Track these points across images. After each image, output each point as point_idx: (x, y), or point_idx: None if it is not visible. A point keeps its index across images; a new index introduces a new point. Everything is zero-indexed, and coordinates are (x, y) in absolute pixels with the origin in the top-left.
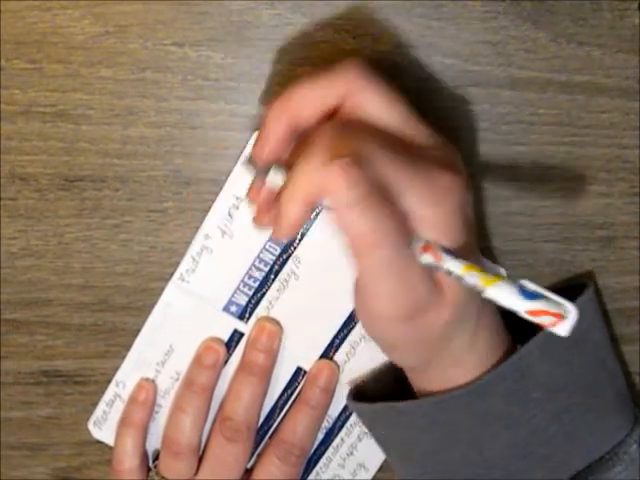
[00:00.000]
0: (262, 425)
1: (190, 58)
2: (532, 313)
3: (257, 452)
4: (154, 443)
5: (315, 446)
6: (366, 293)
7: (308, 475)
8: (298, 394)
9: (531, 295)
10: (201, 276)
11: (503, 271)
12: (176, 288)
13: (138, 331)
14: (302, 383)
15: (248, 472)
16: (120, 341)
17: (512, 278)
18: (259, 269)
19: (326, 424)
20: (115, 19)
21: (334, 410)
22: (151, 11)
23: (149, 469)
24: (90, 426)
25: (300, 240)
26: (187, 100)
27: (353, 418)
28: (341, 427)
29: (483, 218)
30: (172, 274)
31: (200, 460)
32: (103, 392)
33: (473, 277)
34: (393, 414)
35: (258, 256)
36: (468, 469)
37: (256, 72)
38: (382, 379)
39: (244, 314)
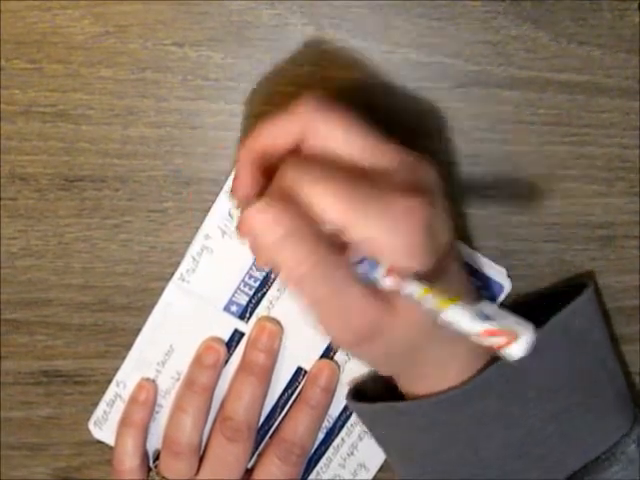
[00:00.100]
0: (263, 425)
1: (190, 58)
2: (487, 333)
3: (257, 452)
4: (155, 443)
5: (315, 446)
6: (318, 323)
7: (308, 475)
8: (299, 394)
9: (487, 317)
10: (201, 276)
11: (504, 271)
12: (176, 288)
13: (138, 331)
14: (303, 383)
15: (248, 472)
16: (120, 341)
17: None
18: (259, 269)
19: (327, 424)
20: (115, 19)
21: (335, 410)
22: (151, 11)
23: (149, 469)
24: (91, 426)
25: None
26: (187, 100)
27: (354, 418)
28: (342, 427)
29: (483, 218)
30: (172, 274)
31: (201, 460)
32: (103, 392)
33: (431, 300)
34: (393, 414)
35: None
36: (465, 469)
37: (256, 72)
38: (382, 379)
39: (245, 314)
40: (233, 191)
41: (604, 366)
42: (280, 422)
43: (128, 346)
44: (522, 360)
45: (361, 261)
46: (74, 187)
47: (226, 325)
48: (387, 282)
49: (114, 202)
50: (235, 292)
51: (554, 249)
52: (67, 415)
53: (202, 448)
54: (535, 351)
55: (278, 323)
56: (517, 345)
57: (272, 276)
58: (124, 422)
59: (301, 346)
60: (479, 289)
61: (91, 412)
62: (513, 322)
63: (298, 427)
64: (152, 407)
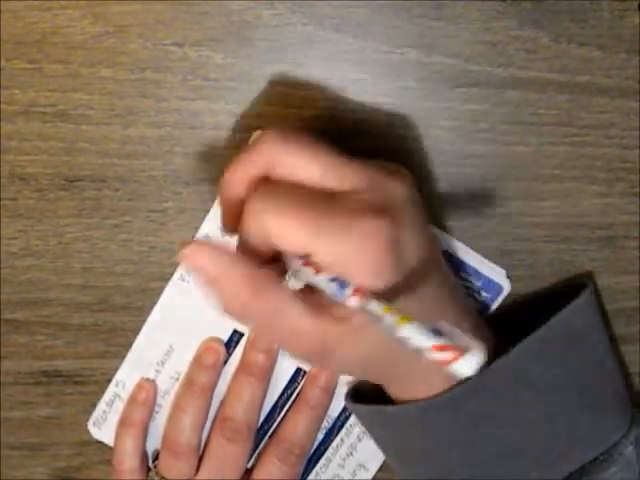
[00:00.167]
0: (262, 425)
1: (190, 58)
2: (437, 349)
3: (257, 452)
4: (154, 443)
5: (315, 446)
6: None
7: (308, 475)
8: (298, 394)
9: (441, 334)
10: None
11: (503, 272)
12: (176, 288)
13: (138, 331)
14: (302, 383)
15: (248, 472)
16: (120, 341)
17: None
18: None
19: (326, 424)
20: (115, 19)
21: (334, 410)
22: (151, 11)
23: (149, 469)
24: (90, 426)
25: None
26: (187, 100)
27: (353, 418)
28: (341, 427)
29: (483, 218)
30: (172, 274)
31: (200, 460)
32: (103, 392)
33: (389, 318)
34: (386, 417)
35: None
36: (464, 469)
37: (256, 72)
38: None
39: None
40: (222, 222)
41: (602, 367)
42: (279, 422)
43: (128, 346)
44: (520, 361)
45: (332, 280)
46: (74, 187)
47: (225, 325)
48: (351, 301)
49: (114, 202)
50: None
51: (554, 249)
52: (67, 415)
53: (201, 448)
54: (532, 352)
55: None
56: (464, 361)
57: None
58: (124, 422)
59: None
60: (479, 290)
61: (91, 412)
62: (466, 340)
63: (297, 427)
64: (152, 407)
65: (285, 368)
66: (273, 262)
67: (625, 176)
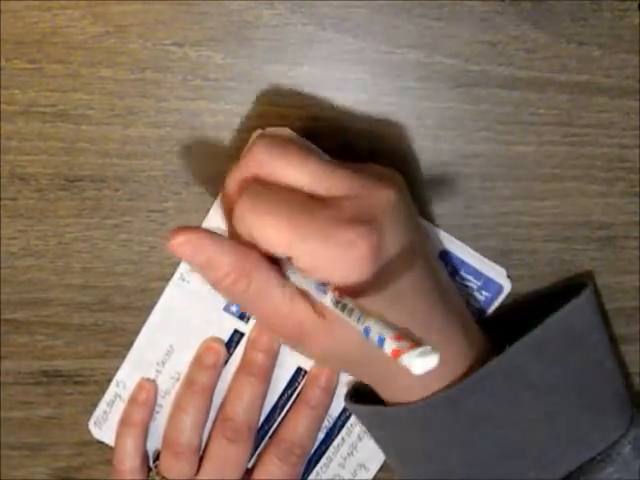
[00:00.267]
0: (262, 425)
1: (190, 58)
2: (395, 338)
3: (257, 452)
4: (155, 443)
5: (315, 446)
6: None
7: (308, 475)
8: (298, 394)
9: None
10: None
11: (503, 271)
12: (176, 288)
13: (138, 331)
14: (302, 383)
15: (249, 472)
16: (120, 341)
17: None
18: None
19: (327, 424)
20: (115, 19)
21: (335, 410)
22: (151, 11)
23: (150, 469)
24: (91, 426)
25: None
26: (187, 100)
27: (353, 418)
28: (341, 427)
29: (483, 218)
30: (172, 274)
31: (201, 460)
32: (103, 392)
33: (356, 314)
34: (384, 417)
35: None
36: (463, 469)
37: (256, 72)
38: None
39: (244, 314)
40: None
41: (602, 366)
42: (280, 422)
43: (128, 346)
44: (517, 360)
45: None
46: (74, 187)
47: (226, 325)
48: (327, 300)
49: (114, 202)
50: None
51: (554, 249)
52: (67, 415)
53: (202, 448)
54: (531, 350)
55: None
56: (415, 352)
57: None
58: (124, 422)
59: None
60: (479, 290)
61: (91, 412)
62: (426, 342)
63: (298, 427)
64: (152, 407)
65: (286, 368)
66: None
67: (625, 176)
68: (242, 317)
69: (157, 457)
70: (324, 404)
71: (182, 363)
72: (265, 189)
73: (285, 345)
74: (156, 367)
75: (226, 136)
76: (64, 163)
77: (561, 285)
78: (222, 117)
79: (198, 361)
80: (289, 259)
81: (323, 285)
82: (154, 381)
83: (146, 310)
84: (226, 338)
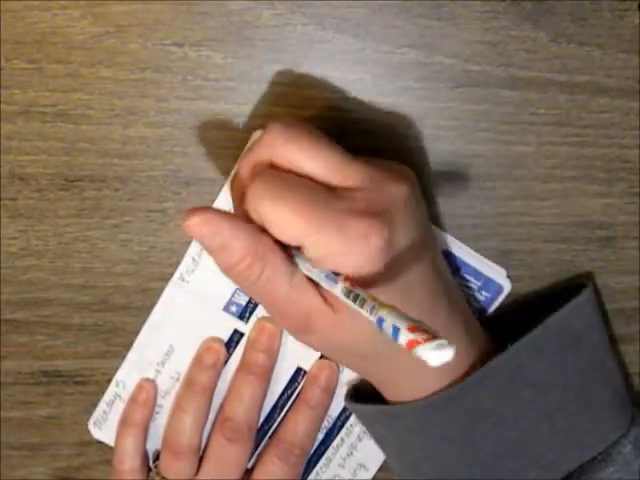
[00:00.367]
0: (262, 425)
1: (190, 58)
2: (411, 329)
3: (257, 452)
4: (154, 443)
5: (315, 446)
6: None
7: (308, 475)
8: (298, 394)
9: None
10: (201, 276)
11: (503, 272)
12: (176, 288)
13: (138, 331)
14: (302, 383)
15: (248, 472)
16: (120, 341)
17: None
18: None
19: (326, 424)
20: (115, 19)
21: (334, 410)
22: (151, 11)
23: (149, 469)
24: (90, 426)
25: None
26: (187, 100)
27: (353, 418)
28: (341, 427)
29: (483, 218)
30: (172, 274)
31: (201, 460)
32: (103, 392)
33: (370, 304)
34: (384, 416)
35: None
36: (463, 469)
37: (256, 72)
38: None
39: (244, 314)
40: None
41: (602, 366)
42: (280, 422)
43: (128, 346)
44: (518, 358)
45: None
46: (74, 187)
47: (226, 325)
48: (338, 289)
49: (114, 202)
50: (235, 292)
51: (554, 249)
52: (67, 415)
53: (202, 448)
54: (532, 349)
55: None
56: (431, 345)
57: None
58: (124, 422)
59: (301, 346)
60: (479, 290)
61: (91, 412)
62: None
63: (298, 427)
64: (152, 407)
65: (285, 368)
66: None
67: (625, 176)
68: (242, 317)
69: (157, 457)
70: (324, 404)
71: (182, 363)
72: (280, 174)
73: (291, 334)
74: (156, 367)
75: (226, 136)
76: (64, 163)
77: (561, 285)
78: (222, 117)
79: (198, 361)
80: (300, 247)
81: (334, 275)
82: (154, 381)
83: (146, 310)
84: (226, 338)
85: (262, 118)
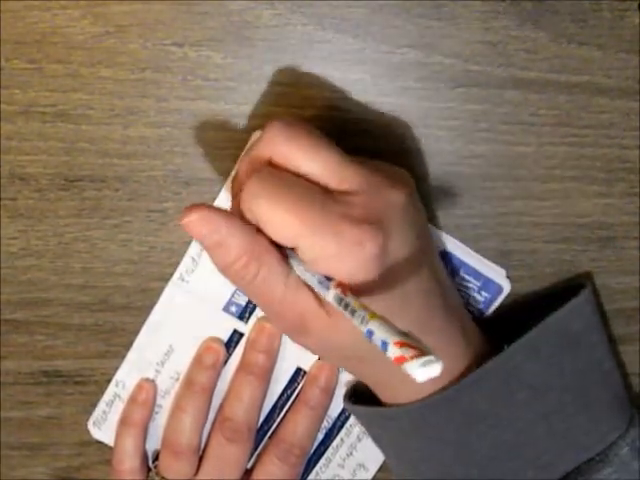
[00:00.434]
0: (262, 425)
1: (190, 58)
2: (399, 344)
3: (257, 452)
4: (154, 443)
5: (315, 446)
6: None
7: (308, 475)
8: (298, 394)
9: (406, 335)
10: (201, 276)
11: (503, 272)
12: (176, 288)
13: (138, 331)
14: (302, 383)
15: (248, 472)
16: (120, 341)
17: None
18: None
19: (326, 424)
20: (115, 19)
21: (334, 410)
22: (151, 11)
23: (149, 469)
24: (90, 426)
25: None
26: (187, 100)
27: (353, 418)
28: (341, 427)
29: (483, 218)
30: (172, 274)
31: (200, 460)
32: (103, 392)
33: (361, 313)
34: (382, 418)
35: None
36: (460, 469)
37: (256, 72)
38: None
39: (244, 314)
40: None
41: (600, 367)
42: (279, 422)
43: (128, 346)
44: (514, 360)
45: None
46: (74, 187)
47: (225, 325)
48: (330, 295)
49: (114, 202)
50: (234, 293)
51: (554, 249)
52: (67, 415)
53: (202, 448)
54: (528, 350)
55: None
56: (419, 361)
57: None
58: (124, 422)
59: (300, 347)
60: (479, 290)
61: (91, 412)
62: (429, 349)
63: (297, 427)
64: (152, 407)
65: (285, 368)
66: None
67: (625, 176)
68: (241, 317)
69: (156, 457)
70: (323, 404)
71: (182, 363)
72: (277, 173)
73: (287, 336)
74: (155, 367)
75: (226, 136)
76: (64, 163)
77: (561, 286)
78: (222, 117)
79: (198, 361)
80: (294, 249)
81: (327, 280)
82: (153, 381)
83: (146, 310)
84: (226, 338)
85: (262, 118)
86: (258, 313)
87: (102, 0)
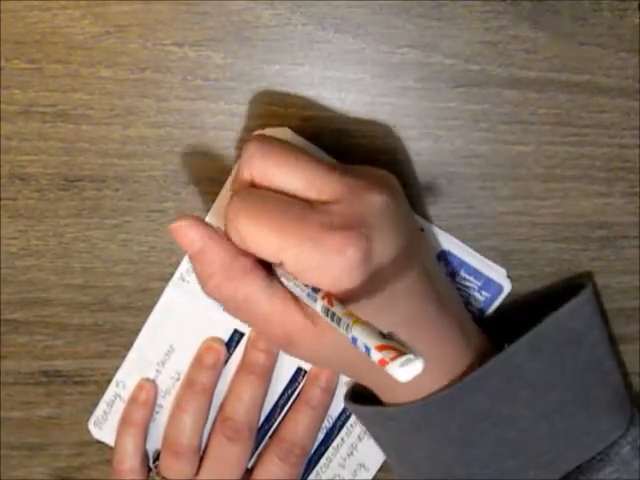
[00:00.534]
0: (262, 425)
1: (190, 58)
2: (380, 348)
3: (257, 452)
4: (155, 443)
5: (315, 446)
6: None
7: (308, 475)
8: (298, 394)
9: (389, 338)
10: None
11: (503, 272)
12: (176, 288)
13: (138, 331)
14: (302, 383)
15: (248, 472)
16: (120, 341)
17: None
18: None
19: (326, 424)
20: (115, 19)
21: (334, 410)
22: (151, 11)
23: (150, 469)
24: (90, 426)
25: None
26: (187, 100)
27: (353, 418)
28: (341, 427)
29: (483, 218)
30: (172, 274)
31: (201, 460)
32: (103, 392)
33: (346, 321)
34: (383, 417)
35: None
36: (462, 469)
37: (256, 72)
38: None
39: None
40: None
41: (601, 366)
42: (280, 422)
43: (128, 346)
44: (515, 359)
45: (305, 286)
46: (74, 187)
47: (226, 325)
48: (318, 306)
49: (114, 202)
50: None
51: (554, 249)
52: (67, 415)
53: (202, 448)
54: (530, 349)
55: None
56: (399, 362)
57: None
58: (124, 422)
59: None
60: (479, 290)
61: (91, 412)
62: (411, 349)
63: (298, 427)
64: (152, 407)
65: (286, 368)
66: None
67: (625, 176)
68: None
69: (157, 457)
70: (324, 404)
71: (182, 363)
72: (256, 191)
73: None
74: (156, 367)
75: (226, 136)
76: (64, 163)
77: (561, 285)
78: (222, 117)
79: (198, 361)
80: (280, 263)
81: (315, 292)
82: (154, 381)
83: (146, 310)
84: (226, 338)
85: (262, 118)
86: None
87: (102, 0)
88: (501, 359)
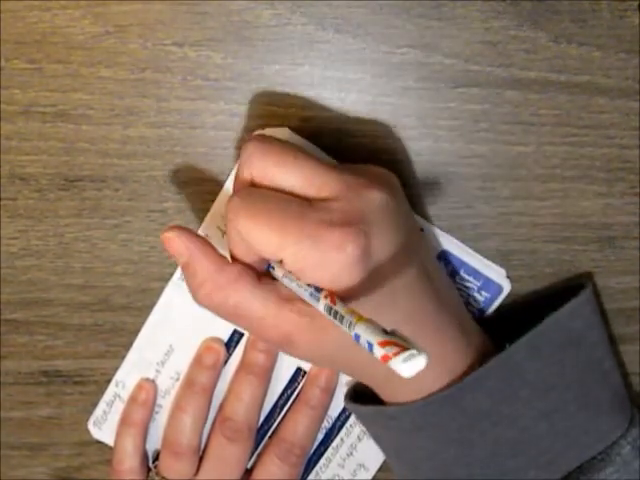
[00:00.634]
0: (262, 425)
1: (190, 58)
2: (382, 344)
3: (257, 452)
4: (154, 443)
5: (315, 446)
6: None
7: (308, 475)
8: (298, 394)
9: (392, 334)
10: None
11: (503, 272)
12: (176, 288)
13: (138, 331)
14: (302, 383)
15: (248, 472)
16: (120, 341)
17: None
18: None
19: (326, 424)
20: (115, 19)
21: (334, 410)
22: (151, 11)
23: (149, 469)
24: (90, 426)
25: None
26: (187, 100)
27: (353, 418)
28: (341, 427)
29: (483, 218)
30: (172, 274)
31: (200, 460)
32: (103, 392)
33: (349, 318)
34: (383, 417)
35: None
36: (462, 468)
37: (256, 72)
38: None
39: None
40: None
41: (601, 367)
42: (280, 422)
43: (128, 346)
44: (516, 358)
45: (307, 285)
46: (74, 187)
47: (225, 325)
48: (320, 306)
49: (114, 202)
50: None
51: (554, 249)
52: (67, 415)
53: (202, 448)
54: (530, 349)
55: None
56: (402, 357)
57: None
58: (124, 422)
59: None
60: (479, 290)
61: (91, 412)
62: (414, 345)
63: (298, 427)
64: (152, 407)
65: (285, 368)
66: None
67: (625, 176)
68: None
69: (157, 457)
70: (324, 404)
71: (182, 363)
72: (255, 191)
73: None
74: (156, 367)
75: (226, 136)
76: (64, 163)
77: (561, 285)
78: (222, 117)
79: (198, 361)
80: (280, 262)
81: (317, 292)
82: (153, 381)
83: (146, 310)
84: (226, 338)
85: (262, 118)
86: None
87: (102, 0)
88: (501, 359)
